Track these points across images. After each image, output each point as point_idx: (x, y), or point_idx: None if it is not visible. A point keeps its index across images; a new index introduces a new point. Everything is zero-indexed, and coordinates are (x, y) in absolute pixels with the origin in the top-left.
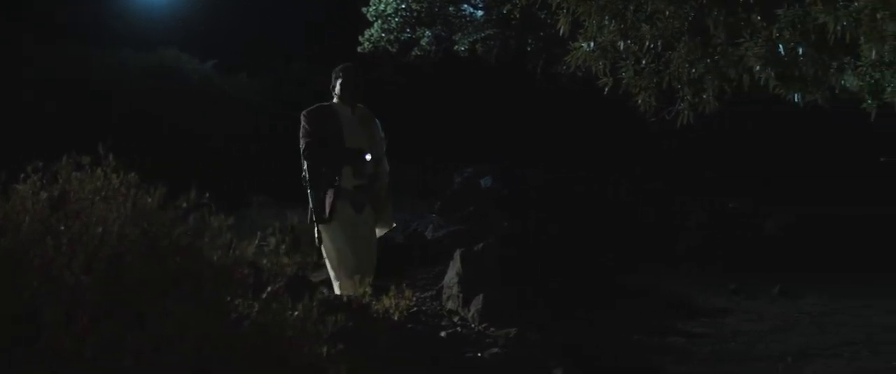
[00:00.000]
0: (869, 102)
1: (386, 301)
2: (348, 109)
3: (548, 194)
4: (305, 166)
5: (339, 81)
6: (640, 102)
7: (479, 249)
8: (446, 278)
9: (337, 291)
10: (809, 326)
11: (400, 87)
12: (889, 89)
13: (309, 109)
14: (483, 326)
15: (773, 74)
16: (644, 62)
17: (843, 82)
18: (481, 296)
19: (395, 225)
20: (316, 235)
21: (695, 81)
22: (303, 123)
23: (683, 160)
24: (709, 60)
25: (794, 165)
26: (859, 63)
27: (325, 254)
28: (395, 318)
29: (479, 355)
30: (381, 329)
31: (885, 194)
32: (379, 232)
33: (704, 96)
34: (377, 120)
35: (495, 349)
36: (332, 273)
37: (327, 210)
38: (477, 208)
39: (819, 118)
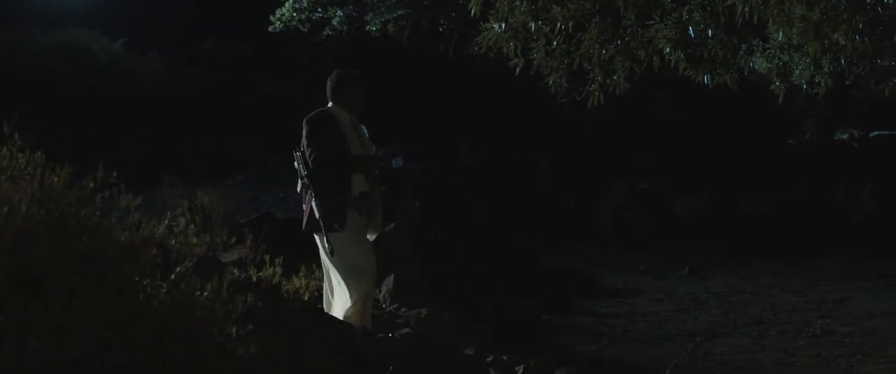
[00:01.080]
0: (777, 84)
1: (296, 281)
2: (346, 115)
3: (468, 176)
4: (306, 174)
5: (347, 90)
6: (551, 82)
7: (390, 229)
8: None
9: (341, 312)
10: (718, 306)
11: (312, 66)
12: (797, 72)
13: (314, 116)
14: (394, 306)
15: (682, 55)
16: (555, 43)
17: (751, 64)
18: (393, 276)
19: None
20: (326, 246)
21: (605, 62)
22: (310, 130)
23: (603, 143)
24: (619, 42)
25: (707, 147)
26: (767, 45)
27: (334, 269)
28: (306, 298)
29: (390, 335)
30: (292, 310)
31: (795, 176)
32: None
33: (615, 77)
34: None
35: (407, 329)
36: (338, 292)
37: (338, 219)
38: (389, 189)
39: (731, 100)
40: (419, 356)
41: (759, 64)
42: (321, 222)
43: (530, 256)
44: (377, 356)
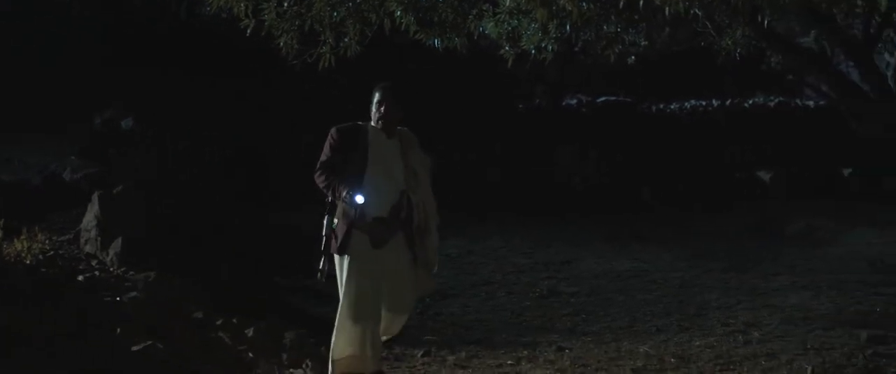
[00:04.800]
0: (506, 49)
1: (18, 245)
2: (383, 134)
3: (204, 139)
4: (323, 186)
5: (374, 103)
6: (282, 44)
7: (118, 191)
8: (84, 221)
9: (335, 355)
10: (449, 267)
11: (35, 23)
12: (525, 37)
13: (340, 126)
14: (122, 269)
15: (413, 18)
16: (286, 5)
17: (481, 29)
18: (120, 239)
19: (436, 268)
20: (320, 266)
21: (337, 25)
22: (327, 139)
23: (329, 107)
24: (350, 4)
25: (436, 111)
26: (497, 10)
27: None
28: (28, 262)
29: (118, 299)
30: (13, 274)
31: (524, 141)
32: (421, 279)
33: (346, 40)
34: (418, 145)
35: (134, 293)
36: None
37: (339, 241)
38: (118, 150)
39: (461, 64)
40: (147, 320)
41: (490, 28)
42: (324, 240)
43: (263, 219)
44: (105, 319)
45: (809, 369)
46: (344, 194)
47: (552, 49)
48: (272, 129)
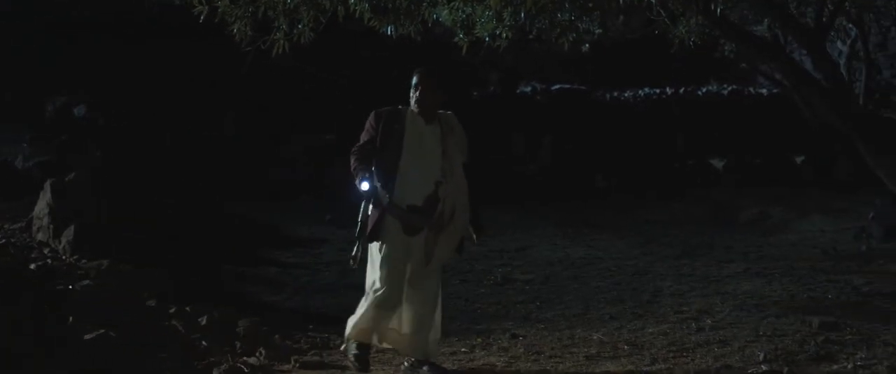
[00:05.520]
0: (461, 36)
1: None
2: (421, 119)
3: (157, 126)
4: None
5: (411, 87)
6: (235, 31)
7: (70, 179)
8: (36, 209)
9: (348, 328)
10: None
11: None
12: (479, 24)
13: (379, 110)
14: (75, 257)
15: (367, 5)
16: None
17: (435, 16)
18: (73, 227)
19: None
20: (353, 253)
21: (290, 11)
22: (367, 122)
23: (289, 97)
24: None
25: (394, 98)
26: None
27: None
28: None
29: (71, 287)
30: None
31: (479, 128)
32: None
33: (300, 26)
34: (460, 129)
35: (87, 281)
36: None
37: (370, 226)
38: (71, 138)
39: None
40: (100, 309)
41: (444, 16)
42: (359, 224)
43: (216, 207)
44: (57, 308)
45: (762, 355)
46: (357, 180)
47: (506, 36)
48: (271, 122)
